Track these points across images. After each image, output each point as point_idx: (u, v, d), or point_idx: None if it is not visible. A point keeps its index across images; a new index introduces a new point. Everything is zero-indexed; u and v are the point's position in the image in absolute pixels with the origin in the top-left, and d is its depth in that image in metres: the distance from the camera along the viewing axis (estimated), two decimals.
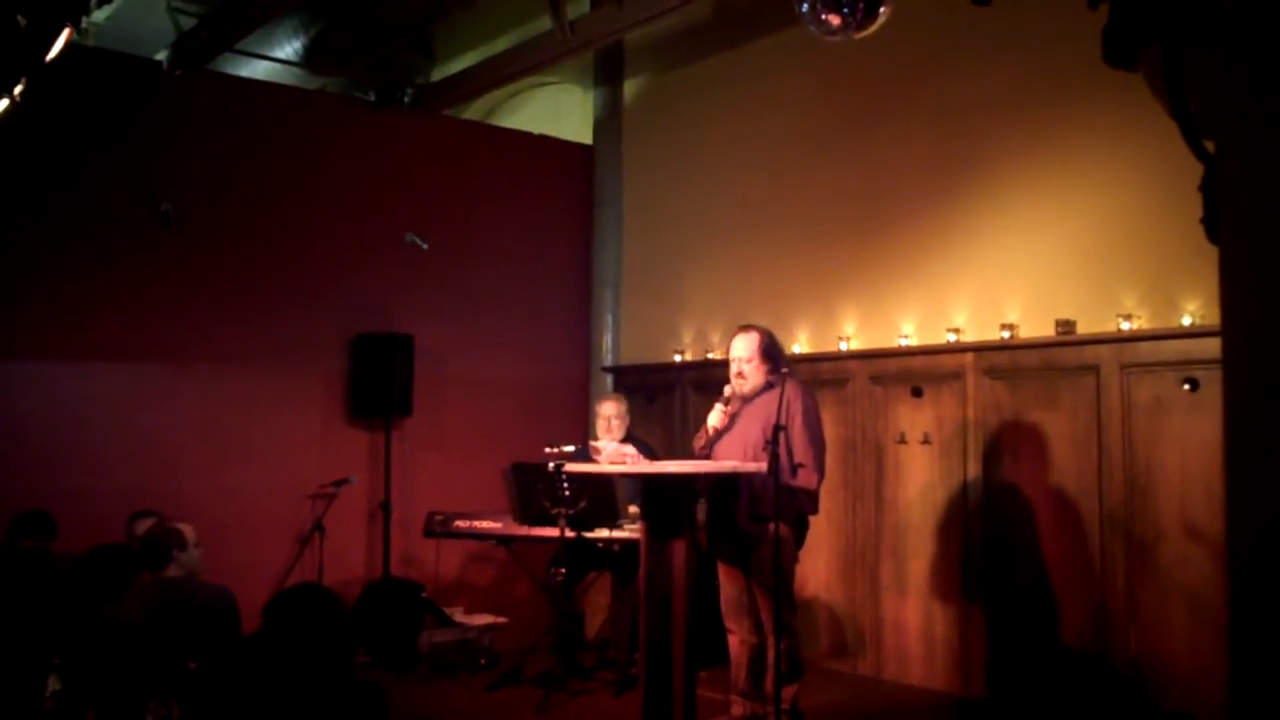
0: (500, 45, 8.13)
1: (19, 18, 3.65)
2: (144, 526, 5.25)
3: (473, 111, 9.06)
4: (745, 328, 5.38)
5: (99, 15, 6.97)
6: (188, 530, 4.62)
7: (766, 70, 7.61)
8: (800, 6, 4.98)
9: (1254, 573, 1.53)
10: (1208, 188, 2.16)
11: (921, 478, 6.41)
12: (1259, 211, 1.57)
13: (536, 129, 8.71)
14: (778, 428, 4.69)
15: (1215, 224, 2.15)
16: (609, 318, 8.49)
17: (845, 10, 4.92)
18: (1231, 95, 1.67)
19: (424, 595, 6.97)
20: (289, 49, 7.58)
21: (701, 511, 5.18)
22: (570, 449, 6.13)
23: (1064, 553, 5.76)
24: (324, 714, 2.76)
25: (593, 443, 6.11)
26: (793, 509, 5.00)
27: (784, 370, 5.09)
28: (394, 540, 7.24)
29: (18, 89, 4.01)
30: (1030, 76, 6.14)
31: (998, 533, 6.03)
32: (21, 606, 4.05)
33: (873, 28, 4.97)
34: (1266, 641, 1.53)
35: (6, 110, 4.17)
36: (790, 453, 4.95)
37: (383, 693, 2.94)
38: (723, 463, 5.07)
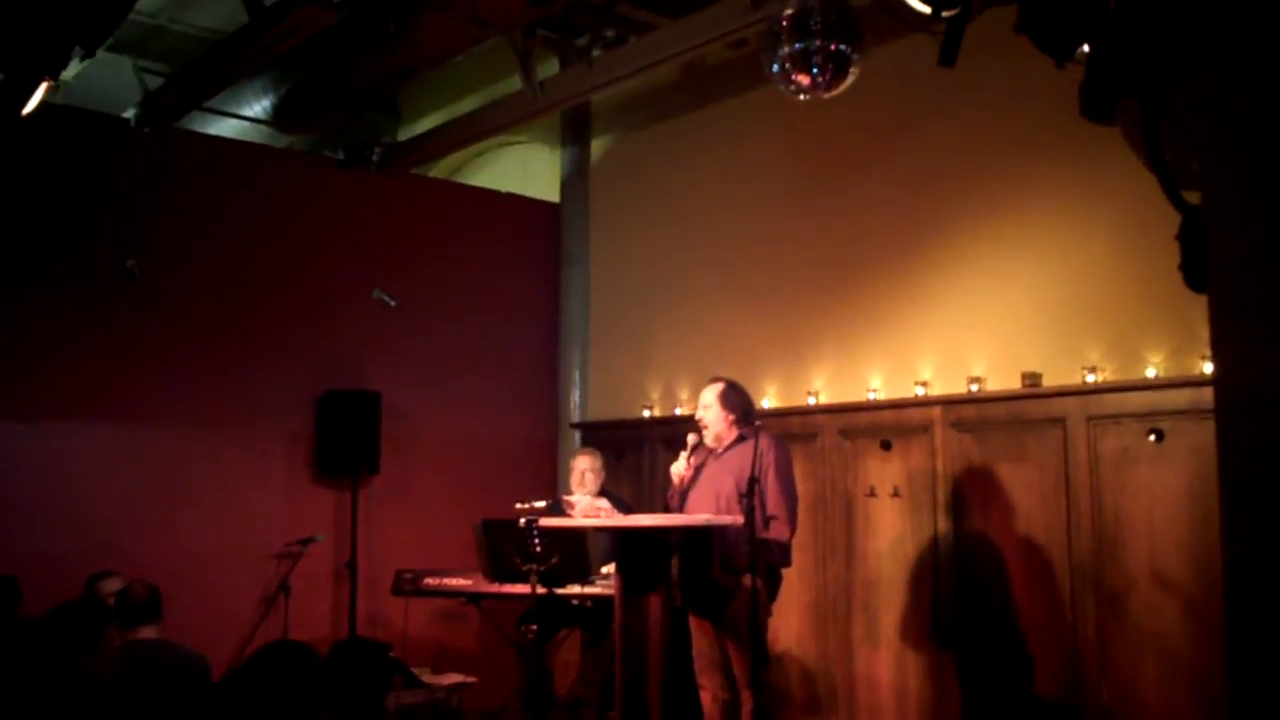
0: (465, 106, 8.20)
1: None
2: (109, 586, 5.17)
3: (439, 170, 9.11)
4: (713, 379, 5.47)
5: (67, 73, 6.96)
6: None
7: (734, 130, 7.71)
8: (771, 67, 5.08)
9: (1250, 617, 1.55)
10: (1186, 236, 2.21)
11: (892, 531, 6.43)
12: (1250, 256, 1.62)
13: (504, 187, 8.77)
14: (753, 480, 4.71)
15: (1195, 272, 2.20)
16: (576, 374, 8.51)
17: (815, 71, 5.02)
18: (1219, 143, 1.72)
19: (391, 655, 6.87)
20: (258, 107, 7.60)
21: (674, 566, 5.17)
22: (541, 504, 6.10)
23: (1035, 604, 5.79)
24: None
25: (566, 497, 6.09)
26: (765, 562, 5.00)
27: (757, 423, 5.12)
28: (360, 600, 7.16)
29: None
30: (995, 134, 6.27)
31: (969, 585, 6.05)
32: None
33: (841, 87, 5.07)
34: (1264, 681, 1.54)
35: None
36: (763, 505, 4.97)
37: None
38: (696, 516, 5.07)
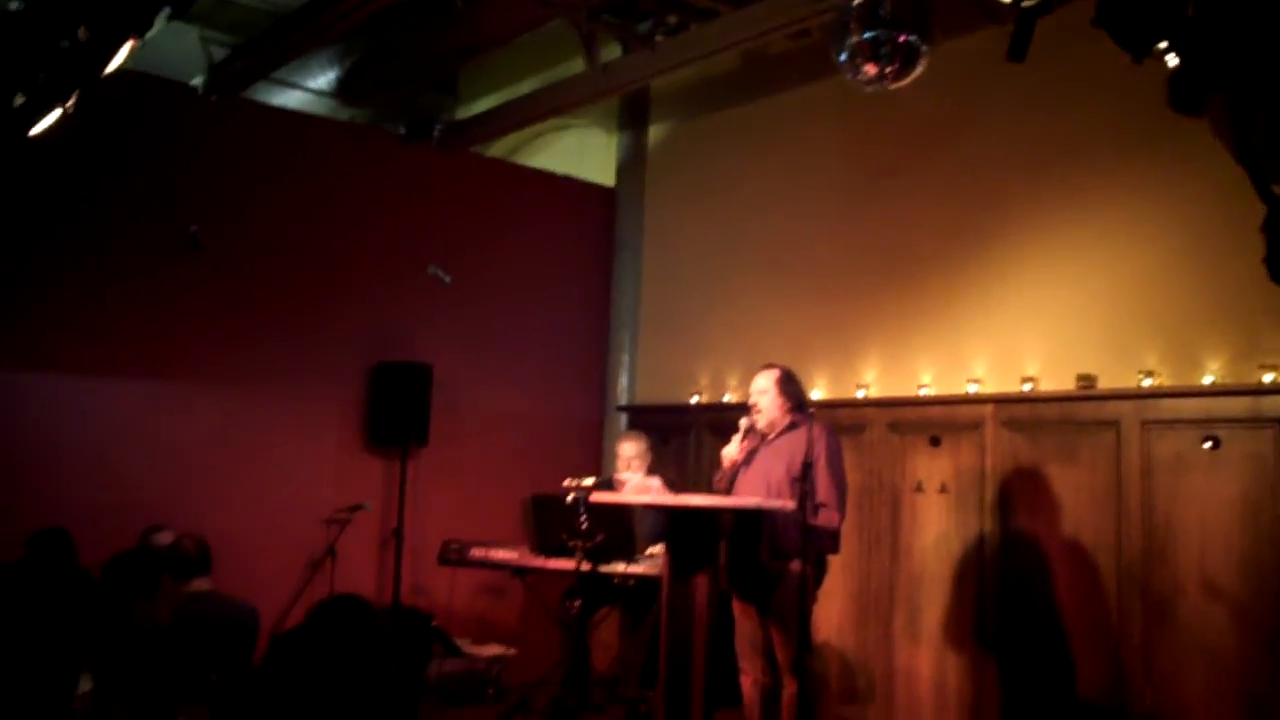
0: (523, 88, 8.23)
1: (81, 29, 3.71)
2: (162, 539, 5.26)
3: (497, 150, 9.14)
4: (767, 365, 5.49)
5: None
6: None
7: (791, 122, 7.70)
8: (838, 56, 5.08)
9: None
10: (1271, 229, 2.20)
11: (937, 527, 6.42)
12: None
13: (560, 169, 8.81)
14: (806, 464, 4.72)
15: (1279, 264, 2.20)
16: (625, 357, 8.54)
17: (883, 61, 5.01)
18: None
19: (433, 624, 6.95)
20: (322, 80, 7.68)
21: (722, 550, 5.19)
22: (590, 482, 6.14)
23: (1080, 607, 5.76)
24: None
25: (617, 475, 6.12)
26: (814, 548, 5.01)
27: (811, 411, 5.13)
28: (405, 569, 7.24)
29: (71, 101, 4.07)
30: (1053, 134, 6.23)
31: (1013, 584, 6.03)
32: (53, 610, 4.05)
33: (909, 79, 5.06)
34: None
35: (58, 121, 4.23)
36: (813, 492, 4.97)
37: (415, 706, 2.95)
38: (746, 498, 5.10)
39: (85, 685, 3.40)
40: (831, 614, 6.72)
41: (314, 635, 2.75)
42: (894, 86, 5.11)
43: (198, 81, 6.94)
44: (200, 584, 4.51)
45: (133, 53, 3.87)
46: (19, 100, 3.77)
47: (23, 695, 3.35)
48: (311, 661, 2.68)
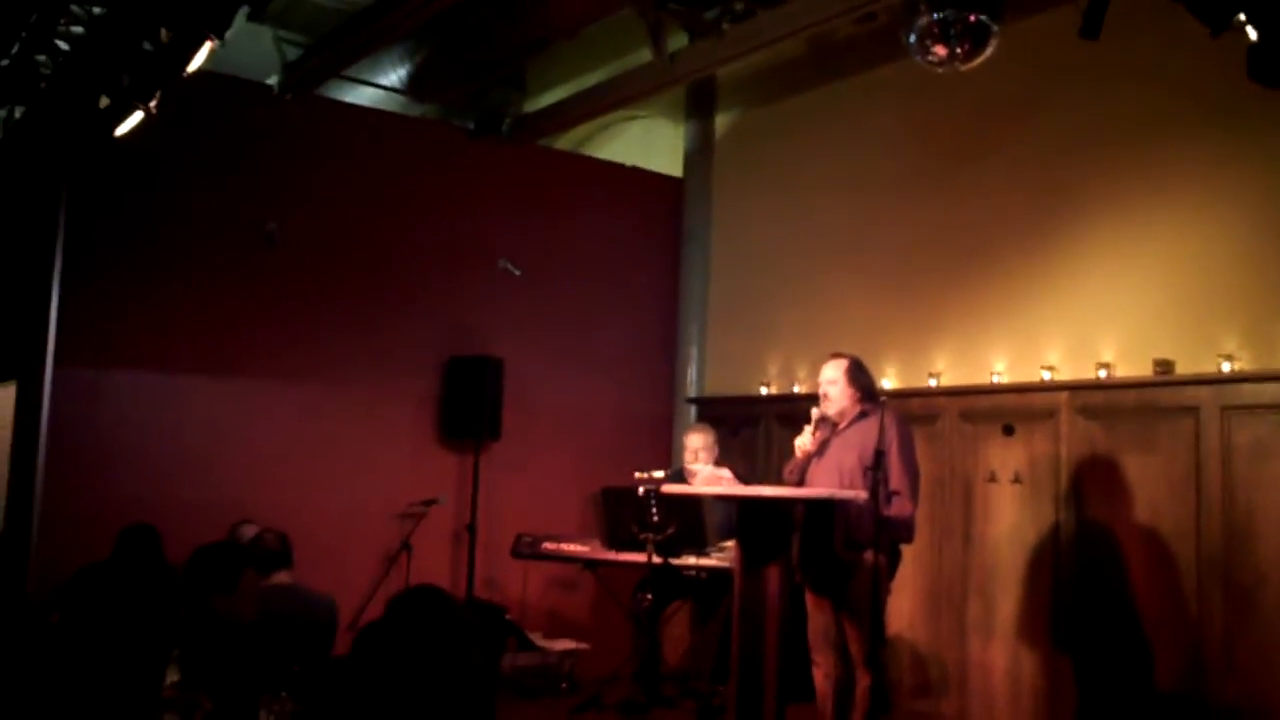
0: (589, 80, 8.26)
1: (162, 31, 3.80)
2: (247, 533, 5.37)
3: (564, 142, 9.20)
4: (835, 354, 5.45)
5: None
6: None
7: (859, 108, 7.65)
8: (908, 38, 5.04)
9: None
10: None
11: (1011, 517, 6.34)
12: None
13: (627, 161, 8.82)
14: (879, 453, 4.69)
15: None
16: (694, 349, 8.54)
17: (953, 42, 4.97)
18: None
19: (507, 618, 7.02)
20: (394, 76, 7.77)
21: (794, 543, 5.18)
22: (660, 474, 6.16)
23: (1158, 597, 5.67)
24: (438, 709, 2.79)
25: (689, 466, 6.13)
26: (888, 538, 4.98)
27: (882, 400, 5.09)
28: (478, 563, 7.31)
29: (153, 102, 4.17)
30: (1127, 115, 6.13)
31: (1089, 575, 5.94)
32: (140, 604, 4.16)
33: (979, 60, 5.01)
34: None
35: (141, 122, 4.33)
36: (886, 481, 4.94)
37: (494, 696, 2.98)
38: (819, 489, 5.08)
39: (173, 676, 3.48)
40: (904, 607, 6.67)
41: (398, 625, 2.79)
42: (965, 68, 5.07)
43: (273, 81, 7.07)
44: (282, 577, 4.59)
45: (211, 54, 3.95)
46: (104, 102, 3.86)
47: (114, 686, 3.44)
48: (396, 652, 2.72)
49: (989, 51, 4.66)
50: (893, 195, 7.34)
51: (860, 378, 5.36)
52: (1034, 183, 6.54)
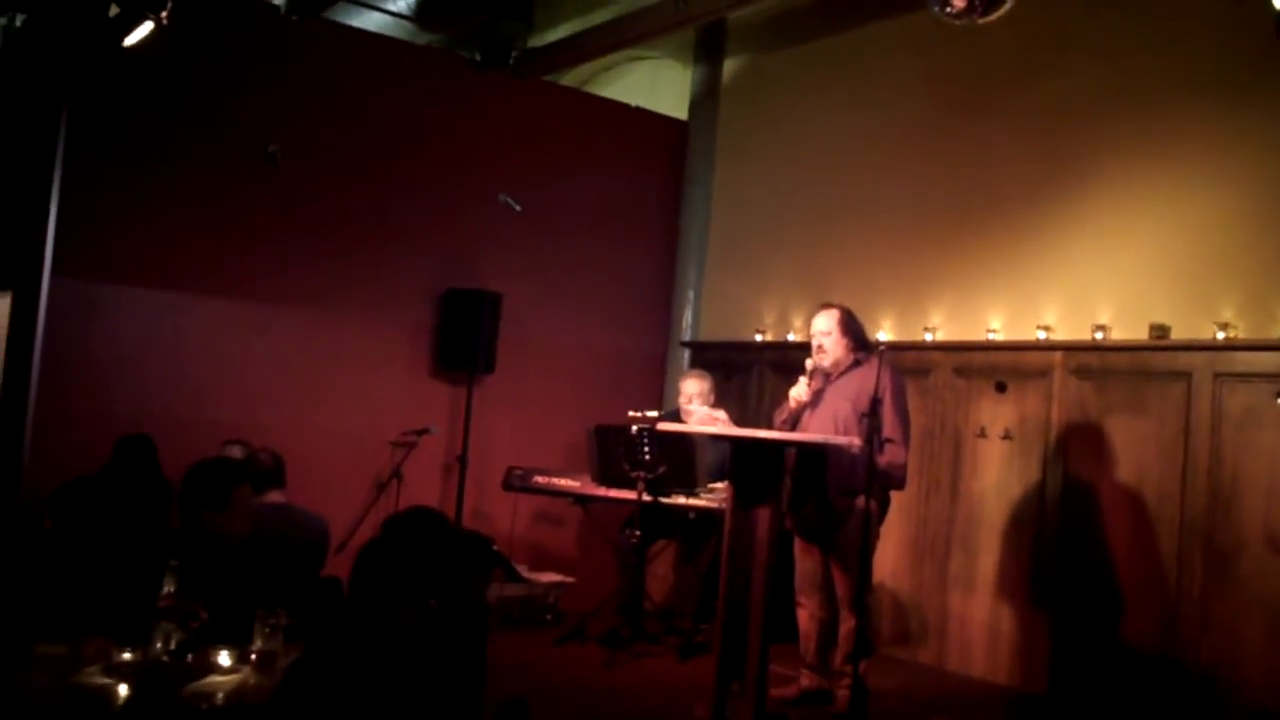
0: (600, 17, 8.18)
1: None
2: (236, 453, 5.38)
3: (569, 79, 9.13)
4: (826, 305, 5.48)
5: None
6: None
7: (867, 57, 7.61)
8: None
9: None
10: None
11: (998, 473, 6.41)
12: None
13: (632, 102, 8.77)
14: (875, 400, 4.72)
15: None
16: (691, 293, 8.55)
17: None
18: None
19: (494, 549, 7.07)
20: (401, 3, 7.71)
21: (785, 489, 5.22)
22: (654, 414, 6.20)
23: (1139, 558, 5.75)
24: (433, 629, 2.82)
25: (685, 406, 6.17)
26: (880, 485, 5.03)
27: (880, 349, 5.12)
28: (467, 494, 7.35)
29: (164, 12, 4.13)
30: (1136, 78, 6.13)
31: (1071, 533, 6.02)
32: (137, 513, 4.19)
33: (997, 14, 4.97)
34: None
35: (150, 35, 4.29)
36: (879, 428, 4.98)
37: (485, 612, 3.02)
38: (813, 434, 5.12)
39: (169, 586, 3.52)
40: (887, 557, 6.73)
41: (395, 544, 2.82)
42: (983, 20, 5.03)
43: (280, 1, 6.98)
44: (275, 496, 4.62)
45: None
46: (114, 10, 3.83)
47: (109, 593, 3.47)
48: (394, 569, 2.75)
49: (1008, 5, 4.62)
50: (897, 148, 7.33)
51: (852, 326, 5.40)
52: (1038, 143, 6.54)
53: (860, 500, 4.96)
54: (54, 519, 4.54)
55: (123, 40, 4.04)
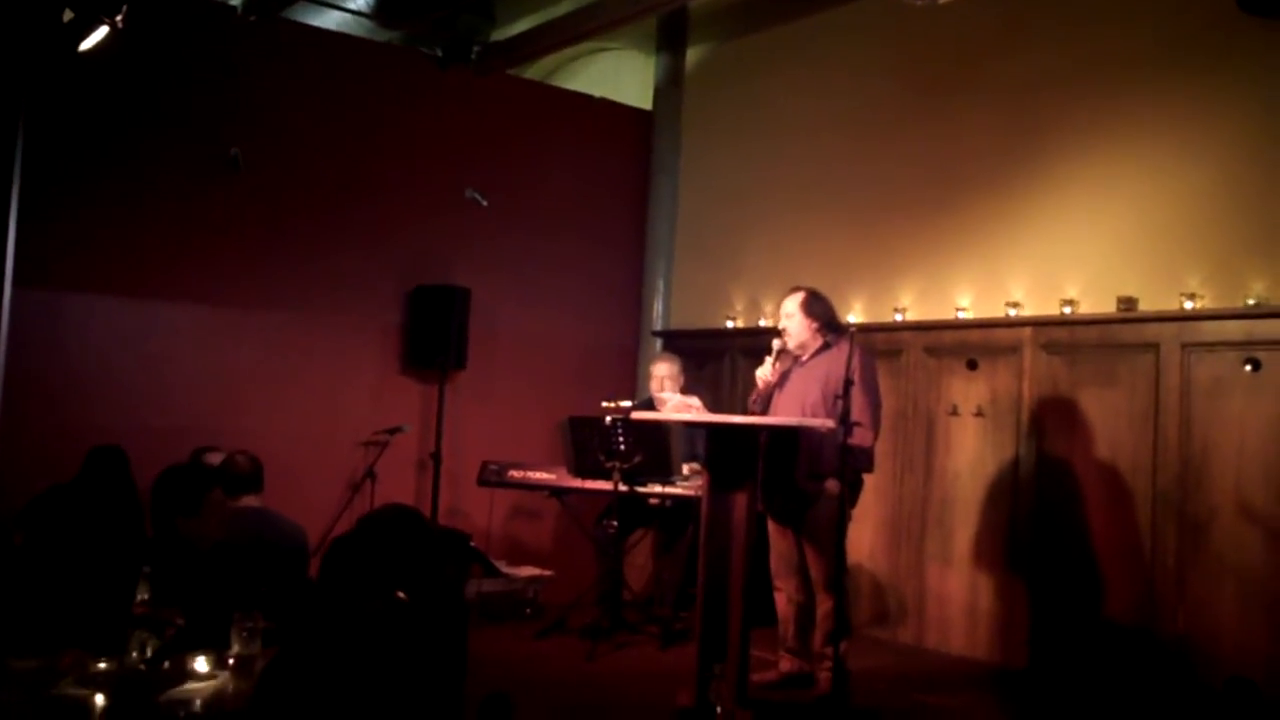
0: (560, 9, 8.15)
1: None
2: (213, 459, 5.33)
3: (533, 73, 9.08)
4: (793, 288, 5.48)
5: None
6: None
7: (830, 41, 7.62)
8: None
9: None
10: None
11: (972, 450, 6.44)
12: None
13: (597, 93, 8.75)
14: (848, 381, 4.73)
15: None
16: (660, 282, 8.55)
17: None
18: None
19: (471, 545, 7.05)
20: (360, 1, 7.64)
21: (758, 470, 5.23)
22: (628, 404, 6.20)
23: (1113, 530, 5.80)
24: (409, 624, 2.81)
25: (656, 394, 6.17)
26: (850, 467, 5.05)
27: (851, 330, 5.13)
28: (442, 491, 7.33)
29: (119, 16, 4.08)
30: (1100, 53, 6.16)
31: (1047, 507, 6.06)
32: (109, 523, 4.16)
33: None
34: None
35: (105, 39, 4.24)
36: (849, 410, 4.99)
37: (466, 610, 3.01)
38: (788, 417, 5.13)
39: (143, 594, 3.49)
40: (864, 537, 6.78)
41: (368, 540, 2.81)
42: (944, 1, 5.06)
43: (236, 2, 6.92)
44: (250, 500, 4.57)
45: None
46: (68, 15, 3.78)
47: (85, 605, 3.44)
48: (367, 565, 2.73)
49: None
50: (862, 131, 7.34)
51: (815, 307, 5.38)
52: (1002, 121, 6.57)
53: (830, 483, 4.97)
54: (24, 534, 4.50)
55: (78, 45, 4.00)
